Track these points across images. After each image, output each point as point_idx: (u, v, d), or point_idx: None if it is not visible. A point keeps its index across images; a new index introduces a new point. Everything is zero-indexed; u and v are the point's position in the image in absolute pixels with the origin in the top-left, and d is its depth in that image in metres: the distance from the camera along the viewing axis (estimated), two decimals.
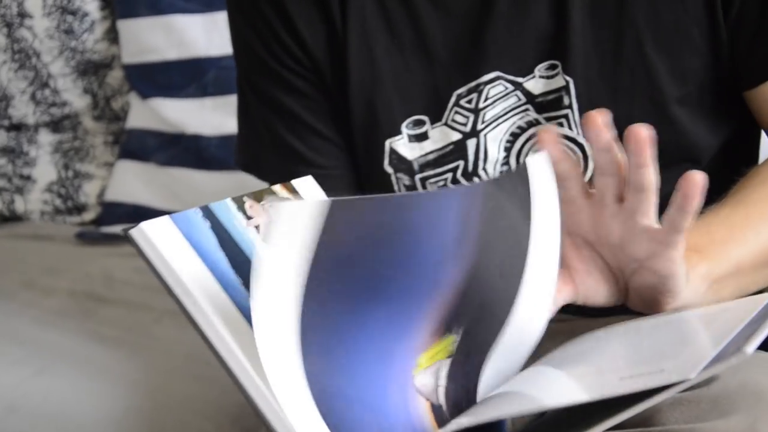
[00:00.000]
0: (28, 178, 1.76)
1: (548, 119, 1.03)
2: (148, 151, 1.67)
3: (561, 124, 1.02)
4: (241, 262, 0.80)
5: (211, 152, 1.61)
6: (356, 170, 1.08)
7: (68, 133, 1.78)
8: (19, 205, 1.76)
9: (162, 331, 1.34)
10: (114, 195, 1.70)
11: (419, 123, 1.04)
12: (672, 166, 1.02)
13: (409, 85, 1.03)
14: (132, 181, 1.68)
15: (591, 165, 1.02)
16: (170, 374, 1.25)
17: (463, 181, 1.04)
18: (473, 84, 1.02)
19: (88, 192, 1.75)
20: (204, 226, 0.80)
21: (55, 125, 1.79)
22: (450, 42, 1.02)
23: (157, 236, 0.75)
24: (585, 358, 0.79)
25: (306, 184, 0.92)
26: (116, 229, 1.65)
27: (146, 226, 0.75)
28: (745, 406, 0.77)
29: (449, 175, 1.04)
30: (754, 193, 0.96)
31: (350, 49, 1.03)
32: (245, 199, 0.86)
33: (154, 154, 1.66)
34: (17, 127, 1.79)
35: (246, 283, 0.79)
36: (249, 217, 0.85)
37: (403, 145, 1.04)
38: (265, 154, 1.10)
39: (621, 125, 1.02)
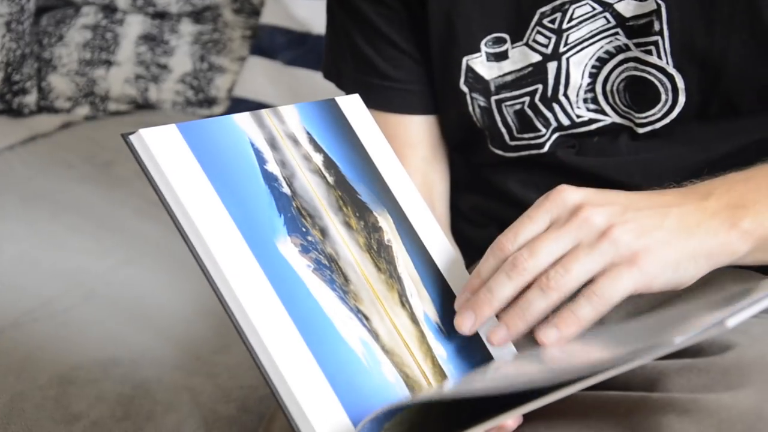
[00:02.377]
0: (164, 67, 1.78)
1: (637, 45, 0.95)
2: (277, 48, 1.66)
3: (650, 52, 0.94)
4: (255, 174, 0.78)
5: None
6: (432, 87, 1.03)
7: (208, 24, 1.79)
8: (153, 94, 1.78)
9: None
10: (242, 91, 1.70)
11: (499, 41, 0.98)
12: None
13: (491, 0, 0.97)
14: (259, 78, 1.68)
15: (681, 99, 0.95)
16: None
17: (540, 105, 0.98)
18: (558, 2, 0.96)
19: (220, 86, 1.75)
20: (223, 138, 0.77)
21: (196, 16, 1.79)
22: None
23: (157, 145, 0.73)
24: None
25: (351, 102, 0.88)
26: None
27: (146, 133, 0.73)
28: (758, 380, 0.70)
29: (527, 99, 0.98)
30: None
31: None
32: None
33: (282, 52, 1.65)
34: (161, 16, 1.81)
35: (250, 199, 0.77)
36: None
37: (480, 63, 0.99)
38: (343, 63, 1.06)
39: (716, 59, 0.94)
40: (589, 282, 0.75)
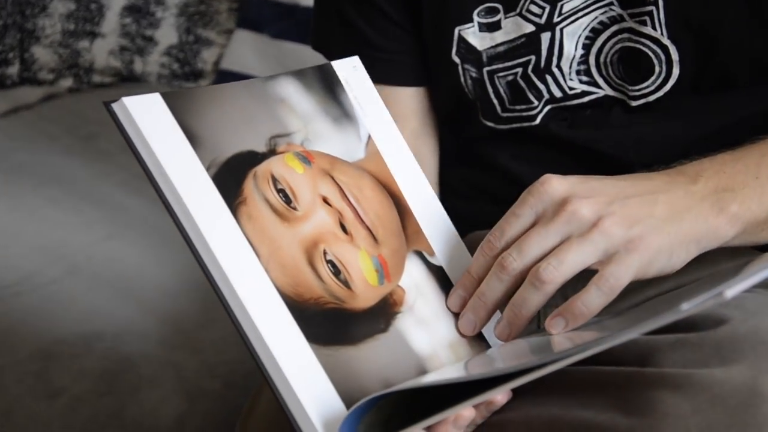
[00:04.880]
0: (150, 39, 1.76)
1: (631, 16, 0.93)
2: (264, 21, 1.64)
3: (644, 22, 0.93)
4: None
5: None
6: (424, 59, 1.01)
7: None
8: (138, 66, 1.75)
9: None
10: (229, 64, 1.68)
11: (492, 11, 0.96)
12: None
13: None
14: (246, 52, 1.66)
15: (675, 71, 0.93)
16: None
17: (533, 77, 0.96)
18: None
19: (206, 58, 1.73)
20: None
21: None
22: None
23: (141, 113, 0.71)
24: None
25: (348, 65, 0.86)
26: None
27: (129, 101, 0.71)
28: (752, 355, 0.69)
29: (519, 70, 0.96)
30: None
31: None
32: None
33: (269, 25, 1.63)
34: None
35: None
36: None
37: (473, 34, 0.97)
38: (333, 34, 1.05)
39: (710, 31, 0.92)
40: (588, 271, 0.74)
